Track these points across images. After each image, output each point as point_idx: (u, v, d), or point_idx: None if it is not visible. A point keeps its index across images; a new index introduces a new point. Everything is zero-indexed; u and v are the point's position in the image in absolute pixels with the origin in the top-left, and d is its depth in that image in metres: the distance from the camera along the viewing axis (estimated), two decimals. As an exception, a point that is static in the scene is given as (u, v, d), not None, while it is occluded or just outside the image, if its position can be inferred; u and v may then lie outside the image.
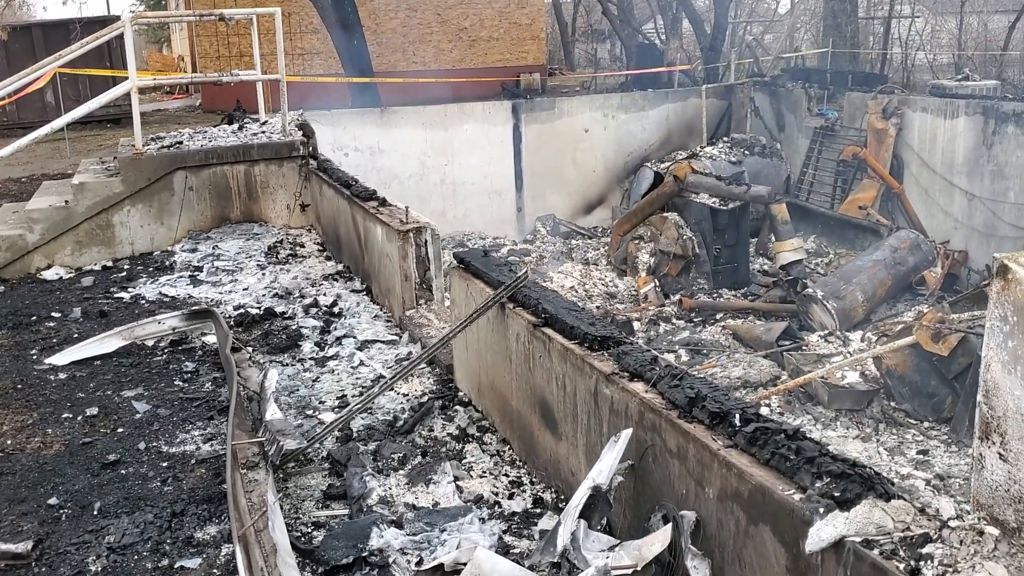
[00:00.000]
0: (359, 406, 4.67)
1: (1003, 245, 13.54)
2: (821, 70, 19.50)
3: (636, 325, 12.87)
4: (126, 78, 8.55)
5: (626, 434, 3.26)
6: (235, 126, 10.13)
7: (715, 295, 14.21)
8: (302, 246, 8.69)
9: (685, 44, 26.49)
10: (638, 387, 3.43)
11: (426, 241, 6.20)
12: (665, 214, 14.71)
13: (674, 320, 13.10)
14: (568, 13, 38.06)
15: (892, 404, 10.07)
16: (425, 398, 5.14)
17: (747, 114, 18.66)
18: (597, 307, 13.66)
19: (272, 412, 4.51)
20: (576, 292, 14.33)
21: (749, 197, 14.20)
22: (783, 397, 10.18)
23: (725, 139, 18.24)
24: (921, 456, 9.02)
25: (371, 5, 23.52)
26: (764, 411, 9.97)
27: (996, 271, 2.20)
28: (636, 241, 14.92)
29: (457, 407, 5.00)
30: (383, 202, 7.04)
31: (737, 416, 3.01)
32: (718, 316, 13.18)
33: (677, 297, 13.70)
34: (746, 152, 17.23)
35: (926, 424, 9.82)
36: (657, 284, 13.99)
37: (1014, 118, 13.38)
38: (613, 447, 3.23)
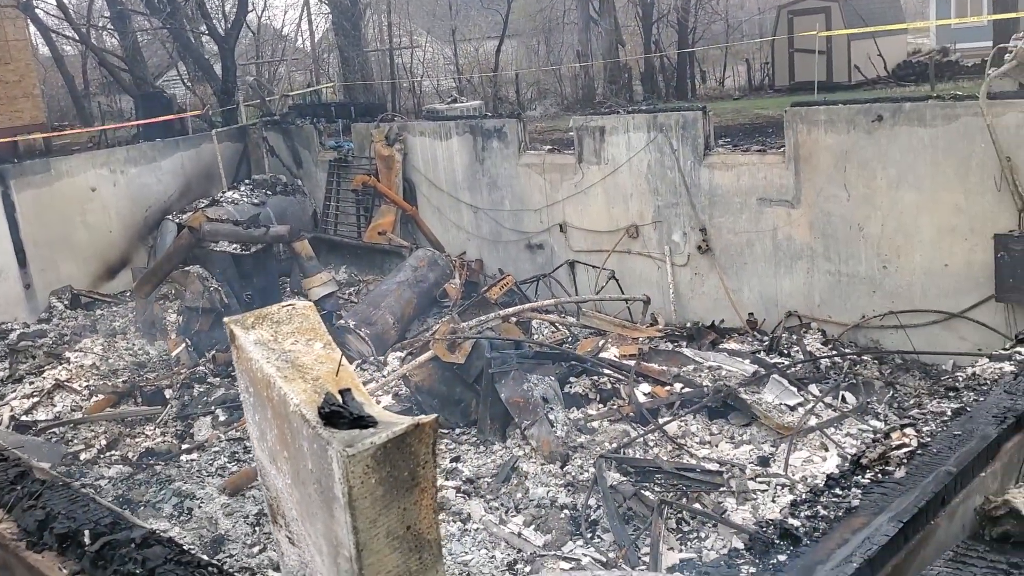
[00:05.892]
0: None
1: (508, 248, 14.85)
2: (332, 104, 19.93)
3: (168, 393, 11.97)
4: None
5: (-31, 584, 2.69)
6: None
7: (254, 343, 13.74)
8: None
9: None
10: (-8, 517, 2.87)
11: None
12: (187, 268, 13.90)
13: (211, 379, 12.40)
14: (75, 66, 34.78)
15: (425, 419, 10.42)
16: None
17: (264, 154, 18.45)
18: (124, 381, 12.47)
19: None
20: (99, 369, 12.97)
21: (269, 238, 13.99)
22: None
23: (247, 181, 17.82)
24: (453, 464, 9.42)
25: None
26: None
27: (230, 337, 2.03)
28: (160, 301, 13.93)
29: None
30: None
31: (87, 533, 2.60)
32: (258, 365, 12.73)
33: (211, 353, 13.01)
34: (268, 192, 16.98)
35: (458, 430, 10.31)
36: (189, 344, 13.15)
37: (496, 134, 14.71)
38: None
